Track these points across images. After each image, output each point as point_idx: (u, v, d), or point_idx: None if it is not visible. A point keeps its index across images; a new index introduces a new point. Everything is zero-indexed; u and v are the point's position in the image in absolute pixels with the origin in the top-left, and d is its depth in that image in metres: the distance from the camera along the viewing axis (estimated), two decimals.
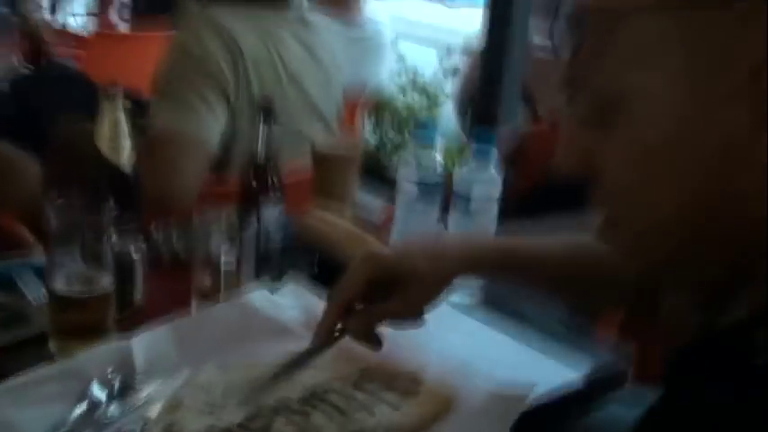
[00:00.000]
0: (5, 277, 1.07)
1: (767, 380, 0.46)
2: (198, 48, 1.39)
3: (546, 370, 1.00)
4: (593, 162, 0.55)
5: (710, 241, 0.51)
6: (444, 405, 0.89)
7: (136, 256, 0.93)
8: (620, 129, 0.52)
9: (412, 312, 0.83)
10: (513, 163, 2.01)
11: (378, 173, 3.63)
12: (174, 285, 1.07)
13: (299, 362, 0.85)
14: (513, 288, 0.98)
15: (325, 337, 0.85)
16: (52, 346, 0.93)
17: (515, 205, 1.70)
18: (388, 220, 1.38)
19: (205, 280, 1.03)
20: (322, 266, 1.16)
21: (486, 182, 1.17)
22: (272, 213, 1.16)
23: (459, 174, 1.19)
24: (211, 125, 1.33)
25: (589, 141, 0.55)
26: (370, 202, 1.75)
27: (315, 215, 1.27)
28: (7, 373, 0.88)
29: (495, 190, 1.18)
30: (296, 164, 1.49)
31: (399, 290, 0.81)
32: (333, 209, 1.31)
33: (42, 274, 0.98)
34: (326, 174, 1.32)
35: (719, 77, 0.47)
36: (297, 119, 1.53)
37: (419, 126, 1.23)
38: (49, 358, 0.92)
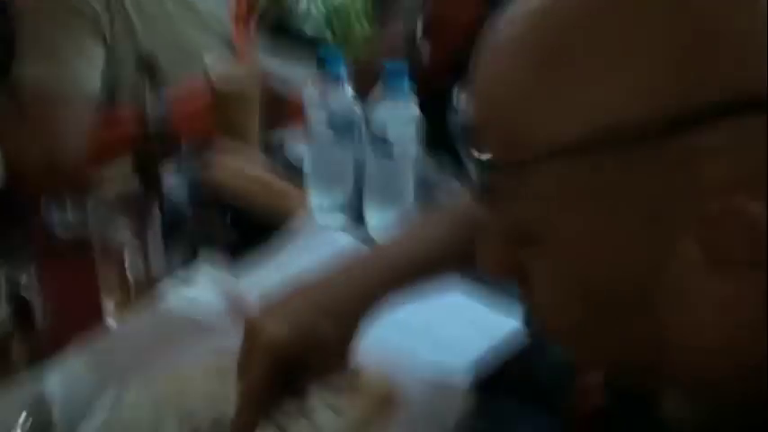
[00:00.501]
0: None
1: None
2: None
3: (485, 321, 0.98)
4: (523, 271, 0.49)
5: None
6: (386, 400, 0.86)
7: (27, 293, 0.84)
8: (543, 255, 0.47)
9: (335, 372, 0.76)
10: (426, 34, 1.88)
11: (282, 29, 3.43)
12: (78, 281, 0.97)
13: None
14: None
15: None
16: None
17: (436, 77, 1.62)
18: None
19: (111, 282, 0.94)
20: (238, 226, 1.09)
21: (402, 120, 1.08)
22: (174, 181, 1.06)
23: (374, 114, 1.09)
24: (90, 73, 1.18)
25: (514, 255, 0.49)
26: (283, 68, 1.64)
27: (223, 164, 1.17)
28: None
29: (413, 126, 1.09)
30: (194, 84, 1.36)
31: (313, 362, 0.71)
32: (240, 150, 1.21)
33: None
34: (228, 113, 1.21)
35: (644, 221, 0.42)
36: (188, 38, 1.37)
37: (322, 59, 1.10)
38: None
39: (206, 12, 1.42)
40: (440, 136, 1.21)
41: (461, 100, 1.06)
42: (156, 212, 0.95)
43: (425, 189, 1.13)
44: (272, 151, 1.27)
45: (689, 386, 0.49)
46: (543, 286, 0.47)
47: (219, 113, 1.20)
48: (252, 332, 0.70)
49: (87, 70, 1.18)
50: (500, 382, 0.90)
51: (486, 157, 0.47)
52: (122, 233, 0.95)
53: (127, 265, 0.93)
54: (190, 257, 1.02)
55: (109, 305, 0.96)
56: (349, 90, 1.12)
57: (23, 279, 0.87)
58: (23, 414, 0.81)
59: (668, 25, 0.40)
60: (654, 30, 0.40)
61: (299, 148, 1.23)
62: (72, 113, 1.14)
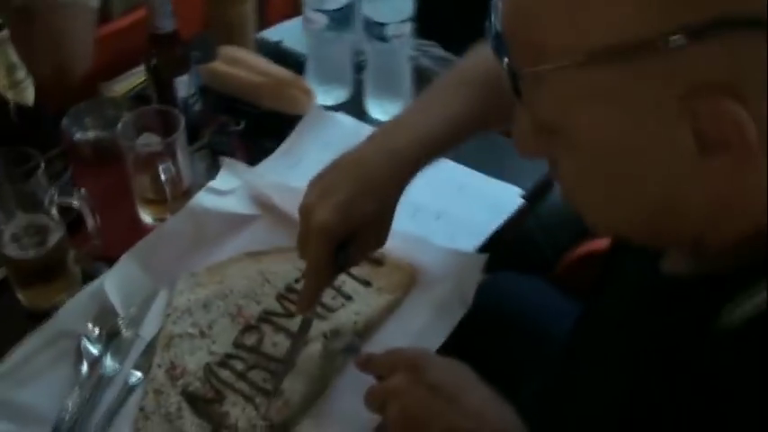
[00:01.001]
0: None
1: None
2: None
3: (490, 194, 1.07)
4: (551, 153, 0.57)
5: (665, 234, 0.57)
6: (410, 275, 0.96)
7: (79, 204, 0.91)
8: (564, 143, 0.55)
9: (379, 243, 0.86)
10: None
11: None
12: (110, 188, 1.05)
13: (297, 345, 0.86)
14: None
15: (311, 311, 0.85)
16: (20, 296, 0.94)
17: None
18: None
19: (145, 190, 1.01)
20: (249, 117, 1.15)
21: (396, 3, 1.12)
22: (184, 85, 1.10)
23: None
24: None
25: (543, 141, 0.56)
26: None
27: (225, 57, 1.21)
28: None
29: (407, 9, 1.13)
30: None
31: (359, 237, 0.81)
32: (238, 43, 1.25)
33: None
34: (222, 5, 1.24)
35: (649, 118, 0.49)
36: None
37: None
38: (20, 306, 0.93)
39: None
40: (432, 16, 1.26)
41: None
42: (182, 123, 0.99)
43: (423, 78, 1.18)
44: (269, 44, 1.30)
45: (691, 252, 0.59)
46: (567, 167, 0.56)
47: (214, 8, 1.23)
48: (305, 217, 0.79)
49: None
50: (504, 253, 1.00)
51: (511, 63, 0.54)
52: (151, 144, 1.01)
53: (161, 174, 0.98)
54: (211, 163, 1.08)
55: (144, 210, 1.03)
56: None
57: (72, 192, 0.93)
58: (92, 318, 0.91)
59: None
60: None
61: (297, 40, 1.26)
62: (79, 24, 1.16)
